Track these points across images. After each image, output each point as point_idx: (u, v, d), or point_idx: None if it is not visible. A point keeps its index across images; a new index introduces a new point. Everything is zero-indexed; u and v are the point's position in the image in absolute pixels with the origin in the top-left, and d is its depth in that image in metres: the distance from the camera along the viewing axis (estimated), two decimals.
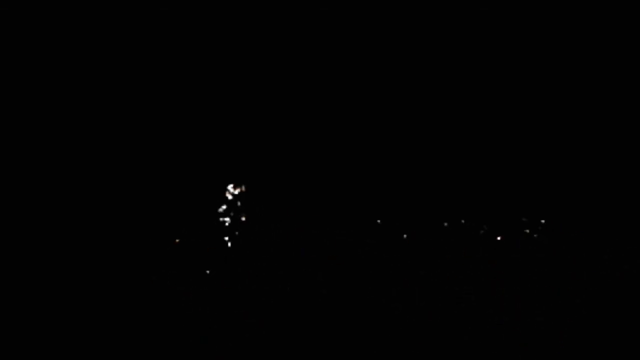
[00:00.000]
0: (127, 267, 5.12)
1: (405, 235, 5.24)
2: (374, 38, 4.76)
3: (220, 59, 4.85)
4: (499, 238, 5.14)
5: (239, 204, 5.31)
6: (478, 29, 4.65)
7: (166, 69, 4.84)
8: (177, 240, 5.14)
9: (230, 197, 5.30)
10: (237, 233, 5.33)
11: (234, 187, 5.28)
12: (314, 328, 5.29)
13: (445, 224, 5.25)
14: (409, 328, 5.27)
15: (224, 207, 5.29)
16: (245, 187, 5.26)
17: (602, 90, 4.86)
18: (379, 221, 5.28)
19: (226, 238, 5.33)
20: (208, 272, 5.25)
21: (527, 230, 5.19)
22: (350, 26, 4.71)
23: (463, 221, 5.18)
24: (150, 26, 4.57)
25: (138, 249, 5.12)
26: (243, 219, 5.30)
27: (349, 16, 4.67)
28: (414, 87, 4.84)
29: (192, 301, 5.25)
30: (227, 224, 5.32)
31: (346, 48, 4.78)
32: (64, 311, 5.05)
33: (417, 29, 4.67)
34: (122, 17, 4.56)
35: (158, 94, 4.89)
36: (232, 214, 5.32)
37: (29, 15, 4.49)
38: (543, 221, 5.21)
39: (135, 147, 5.00)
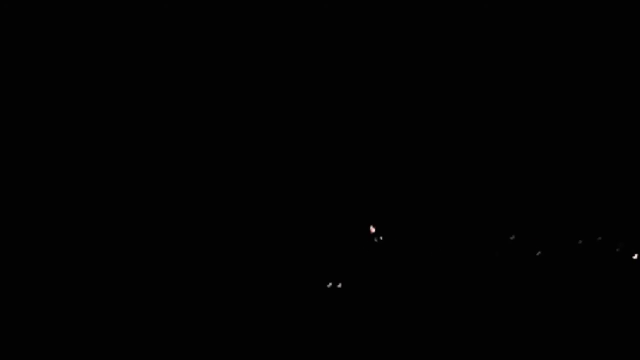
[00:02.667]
0: (127, 267, 5.08)
1: (405, 237, 5.20)
2: (374, 38, 4.97)
3: (221, 59, 4.95)
4: (498, 240, 5.09)
5: (240, 204, 5.31)
6: (478, 29, 4.88)
7: (167, 69, 4.95)
8: (176, 241, 5.10)
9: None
10: (237, 233, 5.29)
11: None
12: (313, 328, 5.13)
13: (446, 225, 5.23)
14: (409, 328, 5.12)
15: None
16: (246, 187, 5.28)
17: (602, 91, 5.00)
18: (379, 222, 5.25)
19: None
20: (208, 272, 5.19)
21: (528, 232, 5.15)
22: (350, 26, 4.92)
23: (463, 223, 5.15)
24: (150, 26, 4.69)
25: (138, 249, 5.09)
26: (244, 219, 5.29)
27: (349, 16, 4.89)
28: (414, 87, 4.99)
29: (192, 301, 5.15)
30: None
31: (346, 48, 4.97)
32: (64, 311, 4.96)
33: (417, 28, 4.87)
34: (122, 17, 4.70)
35: (159, 94, 4.98)
36: (233, 214, 5.30)
37: (29, 15, 4.65)
38: (544, 222, 5.17)
39: (136, 147, 5.03)
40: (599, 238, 4.84)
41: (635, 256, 4.86)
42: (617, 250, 4.81)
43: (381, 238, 5.04)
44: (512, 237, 4.81)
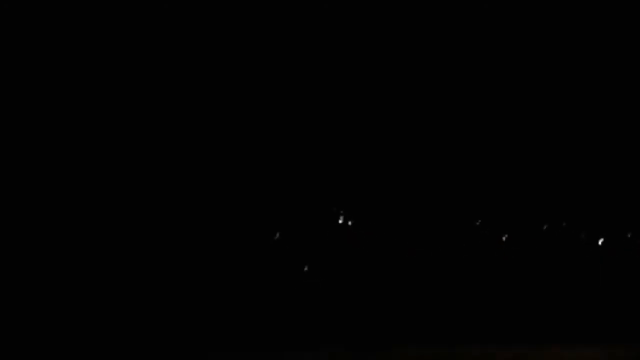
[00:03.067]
0: (128, 267, 4.94)
1: (376, 224, 5.22)
2: (374, 38, 5.04)
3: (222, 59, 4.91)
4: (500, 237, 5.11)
5: (243, 203, 5.26)
6: (478, 29, 5.03)
7: (166, 69, 4.88)
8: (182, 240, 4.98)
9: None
10: (240, 232, 5.24)
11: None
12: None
13: (415, 210, 5.24)
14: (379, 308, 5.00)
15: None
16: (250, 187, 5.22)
17: (602, 90, 5.11)
18: (381, 221, 5.26)
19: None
20: (209, 271, 5.11)
21: (494, 217, 5.18)
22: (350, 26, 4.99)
23: (432, 209, 5.16)
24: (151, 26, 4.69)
25: (139, 249, 4.96)
26: (246, 218, 5.25)
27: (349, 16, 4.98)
28: (414, 87, 5.06)
29: (193, 302, 5.02)
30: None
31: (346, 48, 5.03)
32: (65, 311, 4.78)
33: (417, 28, 5.00)
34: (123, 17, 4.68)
35: (157, 93, 4.92)
36: (235, 214, 5.23)
37: (29, 15, 4.61)
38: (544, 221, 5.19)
39: (138, 147, 4.94)
40: (564, 224, 4.88)
41: (600, 242, 4.88)
42: (582, 236, 4.85)
43: (349, 223, 4.98)
44: (479, 222, 4.85)
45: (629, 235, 4.96)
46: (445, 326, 4.76)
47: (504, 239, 4.94)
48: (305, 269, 4.73)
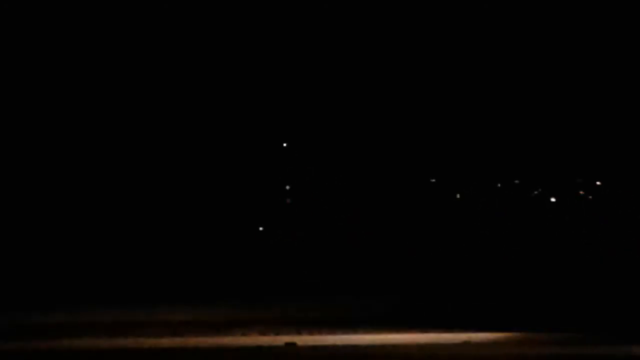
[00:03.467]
0: (128, 267, 5.44)
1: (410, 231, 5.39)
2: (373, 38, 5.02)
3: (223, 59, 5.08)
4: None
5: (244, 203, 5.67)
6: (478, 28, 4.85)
7: (166, 69, 5.10)
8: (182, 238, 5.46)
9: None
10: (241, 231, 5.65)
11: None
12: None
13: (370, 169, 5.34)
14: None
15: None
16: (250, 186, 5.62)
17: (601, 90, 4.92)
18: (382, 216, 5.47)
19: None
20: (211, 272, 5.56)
21: (448, 175, 5.19)
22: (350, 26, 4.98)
23: (385, 165, 5.25)
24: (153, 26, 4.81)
25: (139, 249, 5.44)
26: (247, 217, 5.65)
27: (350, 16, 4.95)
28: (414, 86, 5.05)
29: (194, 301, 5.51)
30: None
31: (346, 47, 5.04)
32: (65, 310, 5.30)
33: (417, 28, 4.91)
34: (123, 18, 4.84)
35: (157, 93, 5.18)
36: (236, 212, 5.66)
37: (29, 15, 4.80)
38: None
39: (140, 147, 5.30)
40: (516, 181, 5.02)
41: (553, 199, 5.01)
42: (535, 193, 4.99)
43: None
44: (433, 180, 5.07)
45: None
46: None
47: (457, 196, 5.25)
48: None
